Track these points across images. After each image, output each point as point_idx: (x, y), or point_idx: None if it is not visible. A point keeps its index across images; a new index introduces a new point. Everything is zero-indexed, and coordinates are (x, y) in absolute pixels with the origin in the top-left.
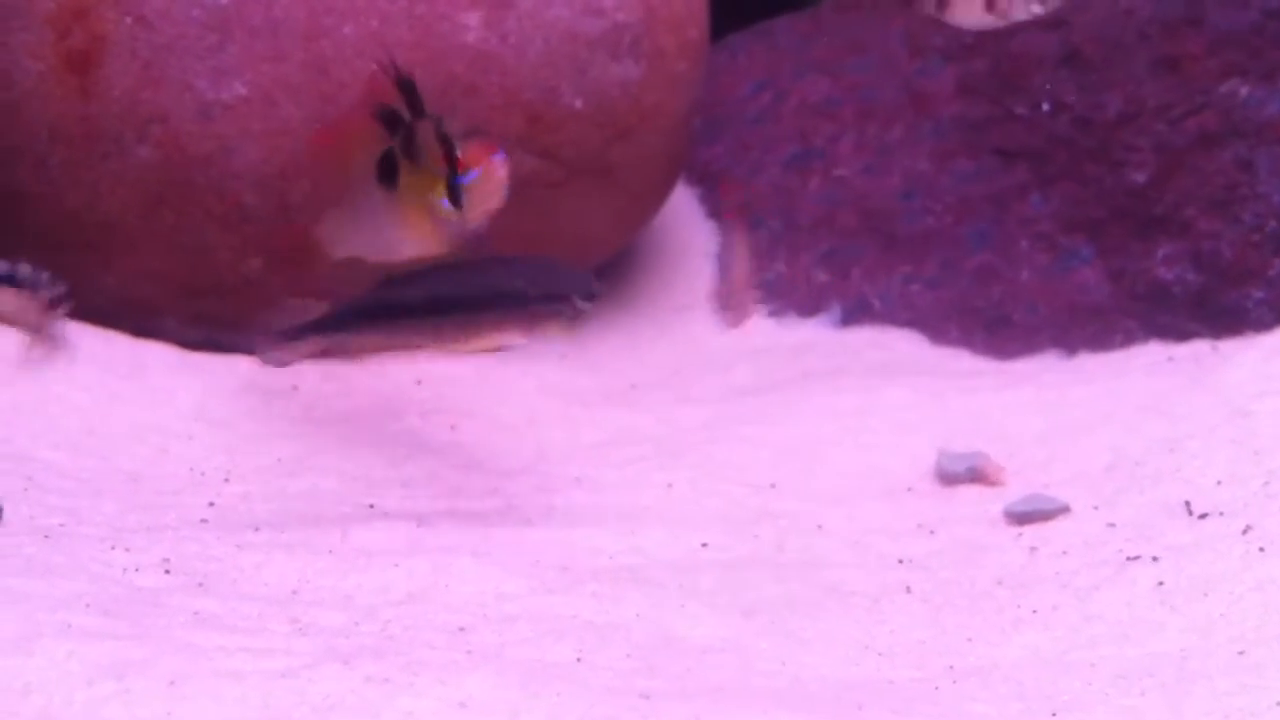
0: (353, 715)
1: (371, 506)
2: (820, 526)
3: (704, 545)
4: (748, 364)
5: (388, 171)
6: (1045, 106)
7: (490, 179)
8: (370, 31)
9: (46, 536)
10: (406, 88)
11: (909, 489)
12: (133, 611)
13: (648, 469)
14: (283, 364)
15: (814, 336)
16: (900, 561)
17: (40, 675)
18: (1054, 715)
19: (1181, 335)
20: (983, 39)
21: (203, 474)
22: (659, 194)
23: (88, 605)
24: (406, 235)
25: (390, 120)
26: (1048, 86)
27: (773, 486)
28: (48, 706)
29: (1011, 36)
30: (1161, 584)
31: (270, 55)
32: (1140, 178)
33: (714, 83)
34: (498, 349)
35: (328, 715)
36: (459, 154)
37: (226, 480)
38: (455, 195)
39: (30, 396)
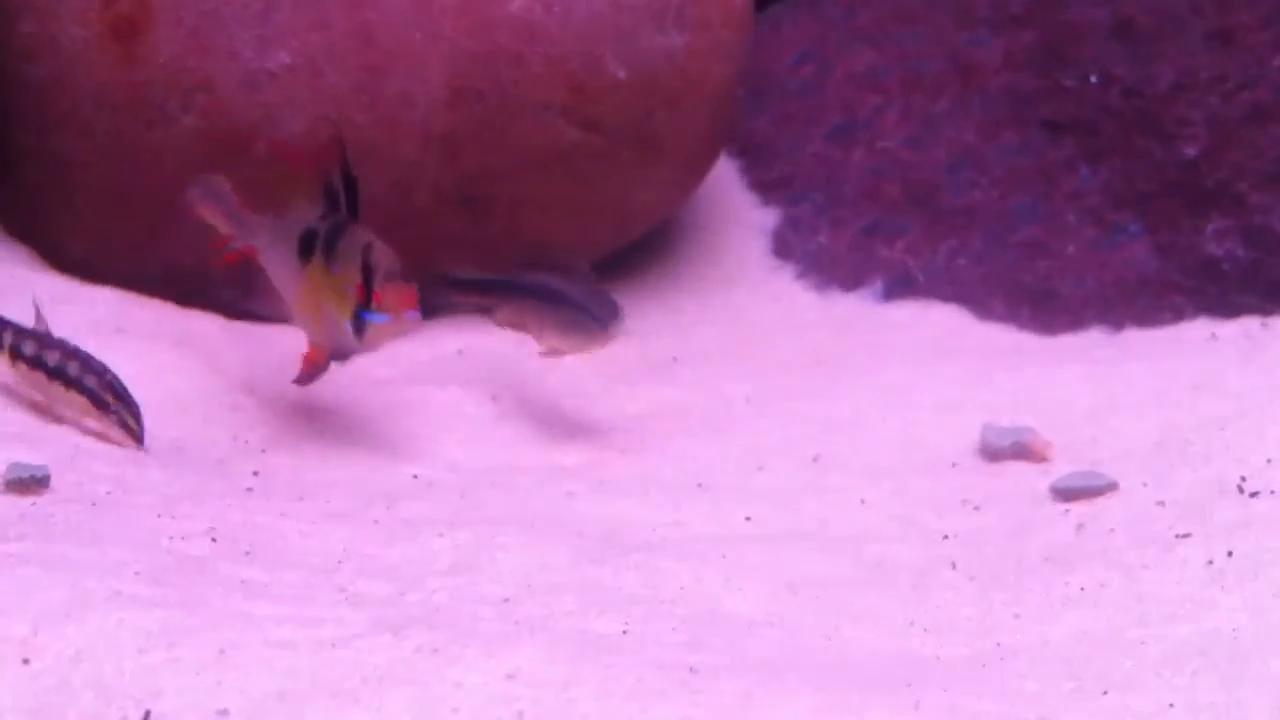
0: (403, 686)
1: (415, 477)
2: (864, 501)
3: (747, 519)
4: (791, 337)
5: (305, 248)
6: (1094, 79)
7: (396, 329)
8: (415, 0)
9: (94, 504)
10: (349, 182)
11: (953, 464)
12: (181, 580)
13: (690, 442)
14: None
15: (857, 310)
16: (945, 537)
17: (90, 643)
18: (1106, 694)
19: (1232, 311)
20: (1032, 9)
21: (246, 443)
22: (703, 165)
23: (136, 573)
24: (300, 316)
25: (330, 198)
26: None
27: (815, 460)
28: (98, 674)
29: (1062, 7)
30: (1212, 563)
31: (315, 23)
32: (1191, 151)
33: (758, 53)
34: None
35: (378, 686)
36: (376, 288)
37: (271, 450)
38: (359, 326)
39: None
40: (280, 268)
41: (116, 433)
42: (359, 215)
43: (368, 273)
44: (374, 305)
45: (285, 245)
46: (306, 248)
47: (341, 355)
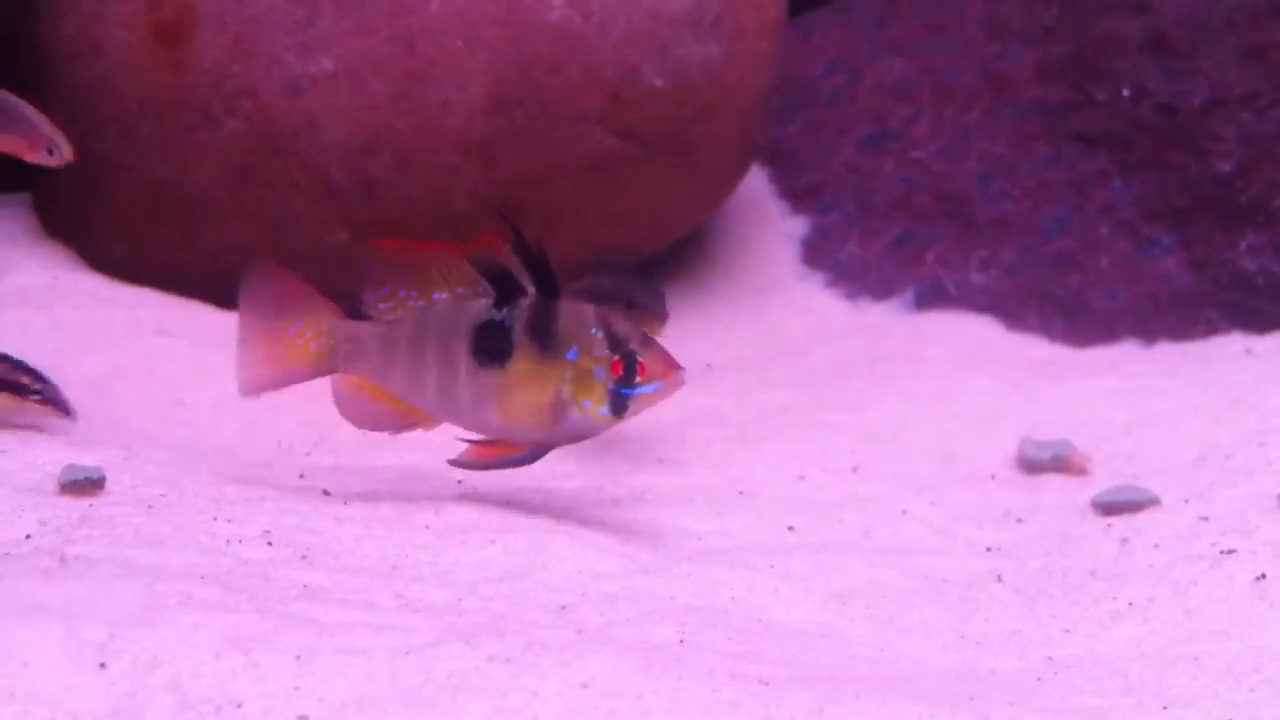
0: (480, 694)
1: (460, 482)
2: (905, 512)
3: (790, 529)
4: (825, 347)
5: (493, 344)
6: (1126, 92)
7: (665, 394)
8: (456, 8)
9: (150, 507)
10: (538, 264)
11: (992, 476)
12: (246, 584)
13: (730, 450)
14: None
15: (888, 320)
16: (989, 550)
17: (168, 648)
18: (1166, 710)
19: (1266, 326)
20: (1064, 22)
21: (291, 446)
22: (736, 173)
23: (202, 577)
24: (506, 417)
25: (502, 285)
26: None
27: (855, 471)
28: (176, 678)
29: (1094, 20)
30: (1260, 579)
31: (357, 30)
32: (1225, 166)
33: (788, 62)
34: None
35: (455, 694)
36: (641, 359)
37: (315, 453)
38: (620, 404)
39: (120, 367)
40: (436, 373)
41: (43, 412)
42: (557, 292)
43: (617, 344)
44: (640, 378)
45: (440, 349)
46: (491, 344)
47: (576, 439)
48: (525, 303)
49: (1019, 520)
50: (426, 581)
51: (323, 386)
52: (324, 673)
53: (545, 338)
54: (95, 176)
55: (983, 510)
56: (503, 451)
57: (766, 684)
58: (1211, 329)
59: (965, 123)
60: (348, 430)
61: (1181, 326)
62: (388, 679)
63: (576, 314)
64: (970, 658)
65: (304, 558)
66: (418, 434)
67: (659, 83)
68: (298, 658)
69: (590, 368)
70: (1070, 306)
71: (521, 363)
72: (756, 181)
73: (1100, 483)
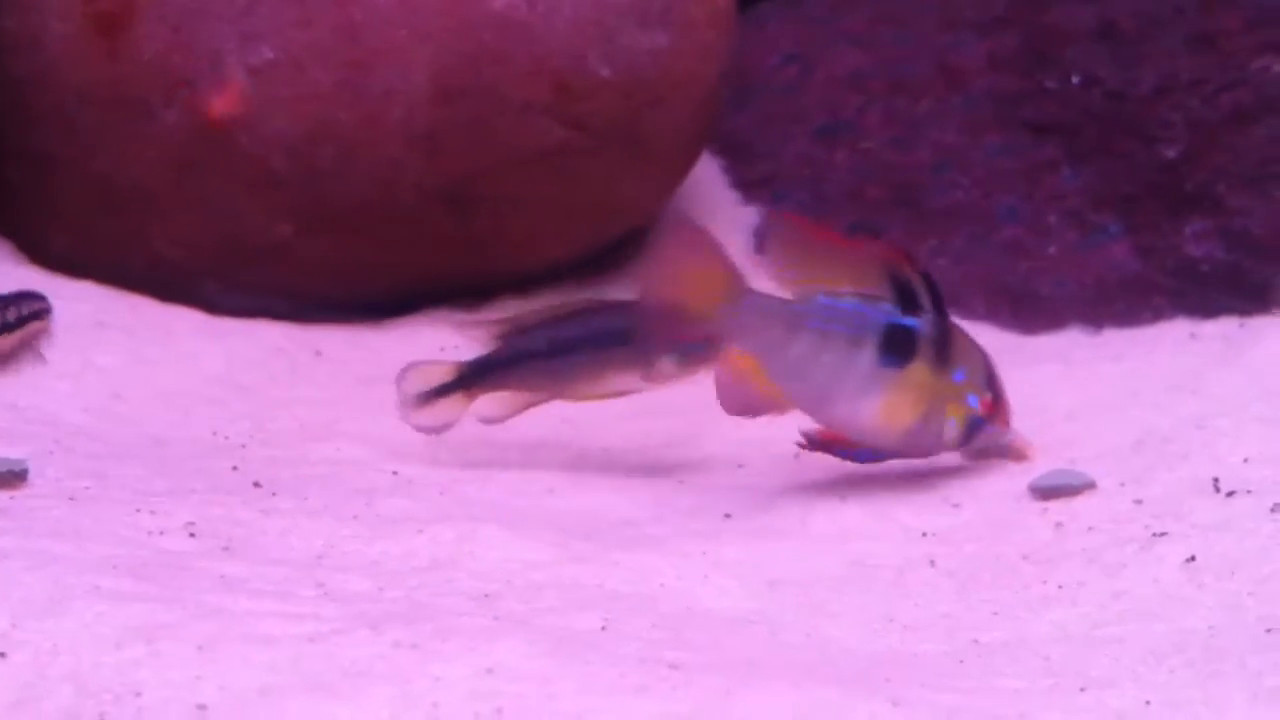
0: (383, 681)
1: (395, 473)
2: (844, 499)
3: (727, 516)
4: None
5: (900, 346)
6: (1076, 80)
7: (1000, 439)
8: None
9: (73, 499)
10: (932, 285)
11: (933, 463)
12: (161, 575)
13: (672, 439)
14: (432, 431)
15: None
16: (924, 535)
17: (70, 637)
18: (1084, 691)
19: (1210, 312)
20: (1016, 11)
21: (226, 438)
22: (686, 163)
23: (115, 568)
24: (882, 415)
25: (905, 294)
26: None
27: (796, 459)
28: (77, 668)
29: (1045, 9)
30: (1189, 561)
31: (299, 20)
32: (1172, 153)
33: (742, 53)
34: (620, 394)
35: (357, 680)
36: (1000, 401)
37: (250, 445)
38: (973, 430)
39: (57, 361)
40: (830, 360)
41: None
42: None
43: (993, 382)
44: (996, 419)
45: (843, 339)
46: (899, 344)
47: (923, 454)
48: (928, 316)
49: (956, 505)
50: (350, 571)
51: (258, 380)
52: (227, 661)
53: (943, 353)
54: (37, 170)
55: (922, 496)
56: (848, 444)
57: (676, 668)
58: (1157, 315)
59: (917, 113)
60: (284, 422)
61: (1128, 312)
62: (290, 667)
63: (967, 340)
64: (895, 642)
65: (226, 549)
66: (352, 427)
67: (606, 72)
68: (200, 647)
69: (967, 393)
70: (1018, 294)
71: (919, 369)
72: (709, 172)
73: (1040, 468)
